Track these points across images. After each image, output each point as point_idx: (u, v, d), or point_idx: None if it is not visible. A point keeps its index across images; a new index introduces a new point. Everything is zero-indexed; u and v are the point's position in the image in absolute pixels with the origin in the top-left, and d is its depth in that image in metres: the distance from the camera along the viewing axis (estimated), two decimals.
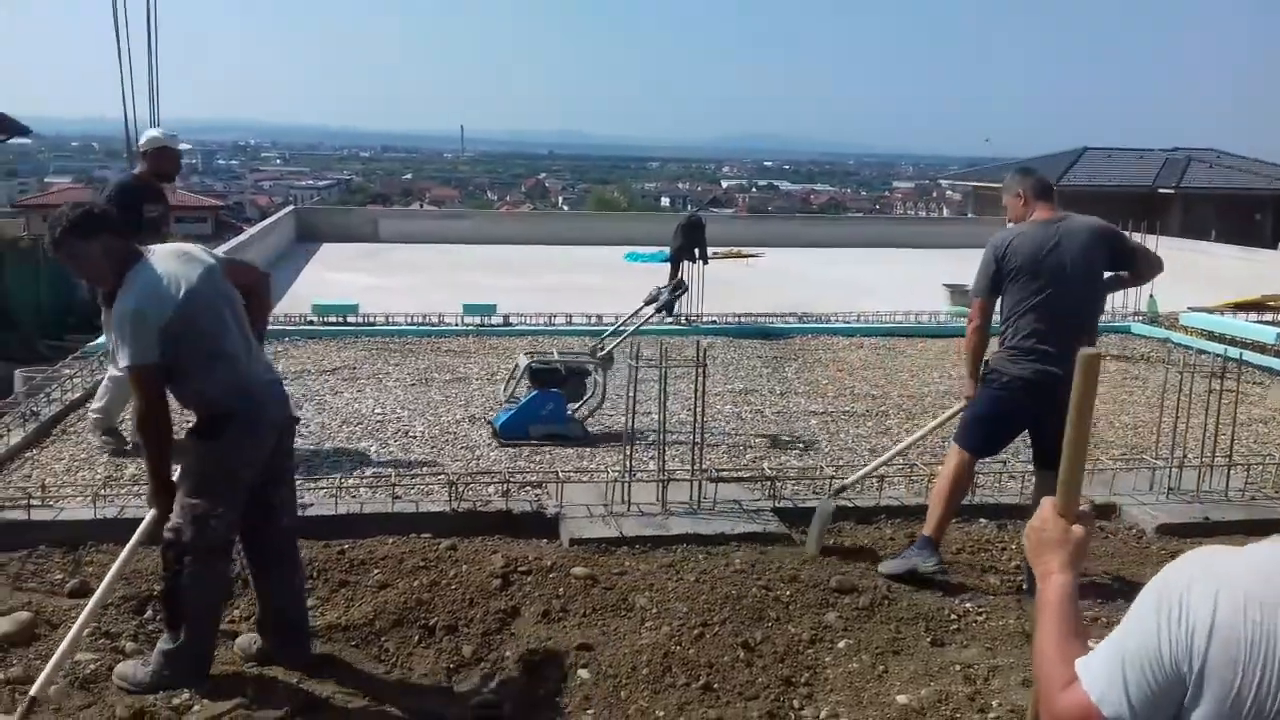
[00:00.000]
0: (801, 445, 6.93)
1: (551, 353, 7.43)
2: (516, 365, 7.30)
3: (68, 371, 7.83)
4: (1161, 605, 1.30)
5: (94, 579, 4.42)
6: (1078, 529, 1.60)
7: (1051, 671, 1.43)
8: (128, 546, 3.71)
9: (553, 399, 6.79)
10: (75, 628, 3.56)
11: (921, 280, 15.07)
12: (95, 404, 6.26)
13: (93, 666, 3.81)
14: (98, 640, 4.01)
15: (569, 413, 6.87)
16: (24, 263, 19.98)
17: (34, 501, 5.01)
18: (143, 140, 6.55)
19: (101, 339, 8.52)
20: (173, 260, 3.63)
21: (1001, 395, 4.65)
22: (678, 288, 7.50)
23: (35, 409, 6.86)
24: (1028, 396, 4.57)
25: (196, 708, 3.58)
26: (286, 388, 7.85)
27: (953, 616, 4.44)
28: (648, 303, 7.38)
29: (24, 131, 31.14)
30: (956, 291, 13.66)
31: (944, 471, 4.87)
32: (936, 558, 4.73)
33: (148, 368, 3.50)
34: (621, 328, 7.80)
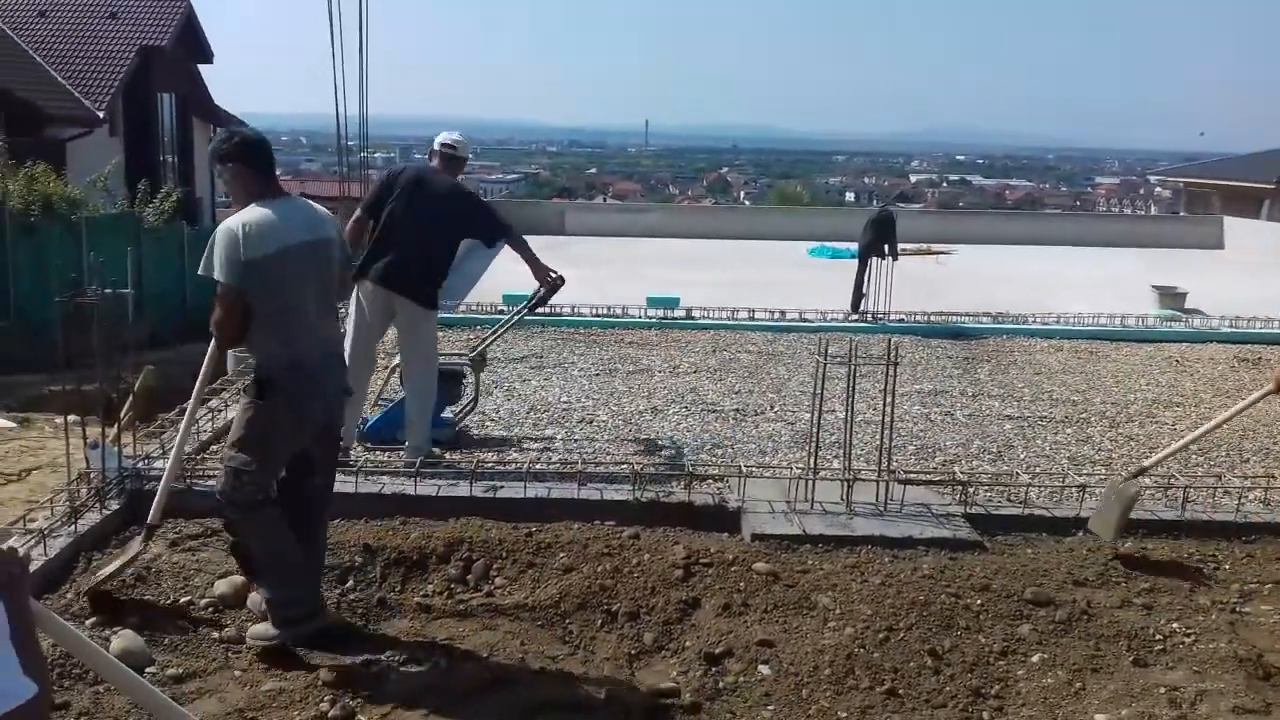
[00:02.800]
0: (674, 447, 6.48)
1: None
2: (390, 366, 6.97)
3: None
4: None
5: None
6: None
7: None
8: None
9: (443, 404, 6.34)
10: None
11: (1127, 281, 14.32)
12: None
13: None
14: None
15: (441, 415, 6.42)
16: None
17: None
18: (438, 139, 6.17)
19: None
20: (299, 214, 3.87)
21: None
22: (556, 285, 6.41)
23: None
24: None
25: (393, 676, 3.74)
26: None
27: (1158, 636, 4.18)
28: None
29: (241, 126, 33.54)
30: (1166, 294, 12.90)
31: None
32: None
33: (232, 289, 3.70)
34: (508, 318, 7.25)
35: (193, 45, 27.39)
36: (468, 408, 6.68)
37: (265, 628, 3.91)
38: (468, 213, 6.02)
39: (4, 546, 1.81)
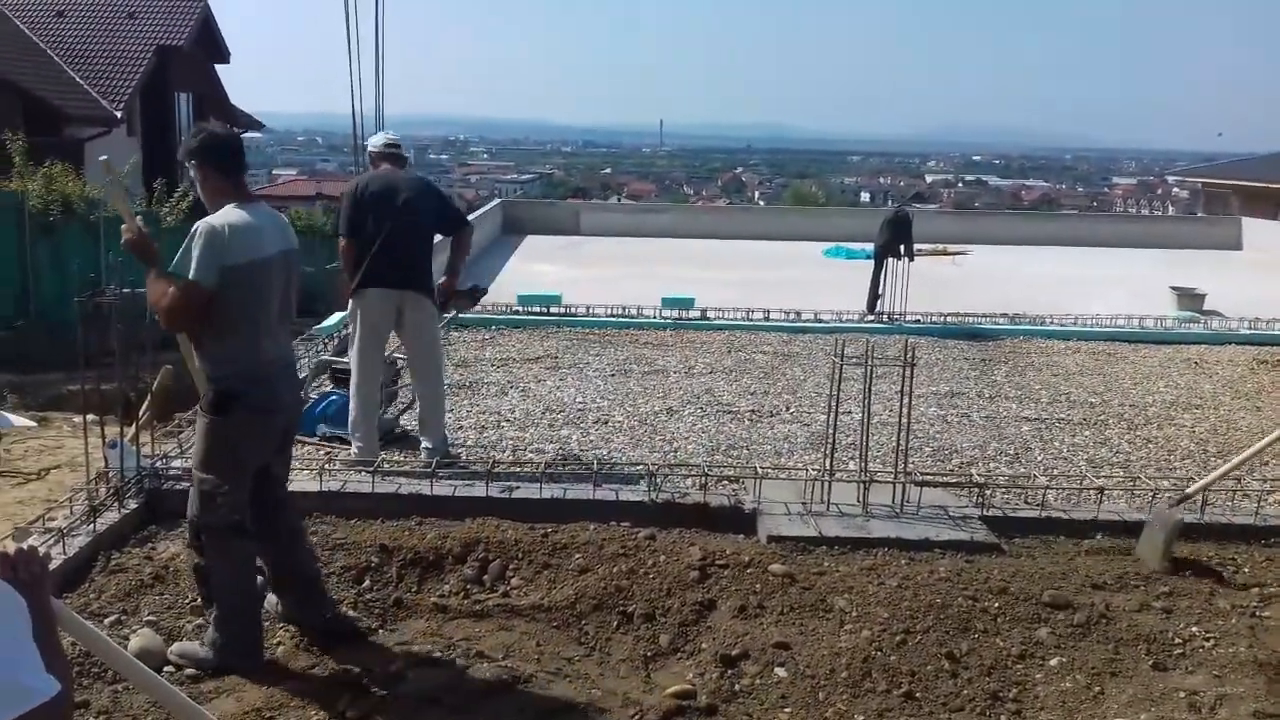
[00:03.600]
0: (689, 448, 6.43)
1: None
2: (318, 363, 7.14)
3: (298, 352, 8.32)
4: None
5: (318, 548, 4.69)
6: None
7: None
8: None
9: (344, 400, 6.23)
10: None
11: (1145, 282, 14.22)
12: (353, 434, 5.93)
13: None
14: None
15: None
16: None
17: None
18: (378, 142, 6.27)
19: (329, 321, 9.06)
20: (272, 222, 3.80)
21: None
22: (475, 296, 6.61)
23: None
24: None
25: (410, 676, 3.75)
26: (493, 374, 8.19)
27: (1177, 640, 4.16)
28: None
29: (257, 126, 33.57)
30: (1185, 295, 12.82)
31: None
32: None
33: (203, 291, 3.56)
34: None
35: (210, 45, 27.53)
36: (402, 408, 6.70)
37: (195, 648, 3.81)
38: (437, 205, 6.13)
39: (24, 545, 1.81)
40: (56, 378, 10.52)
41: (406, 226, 5.86)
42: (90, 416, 5.69)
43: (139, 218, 3.52)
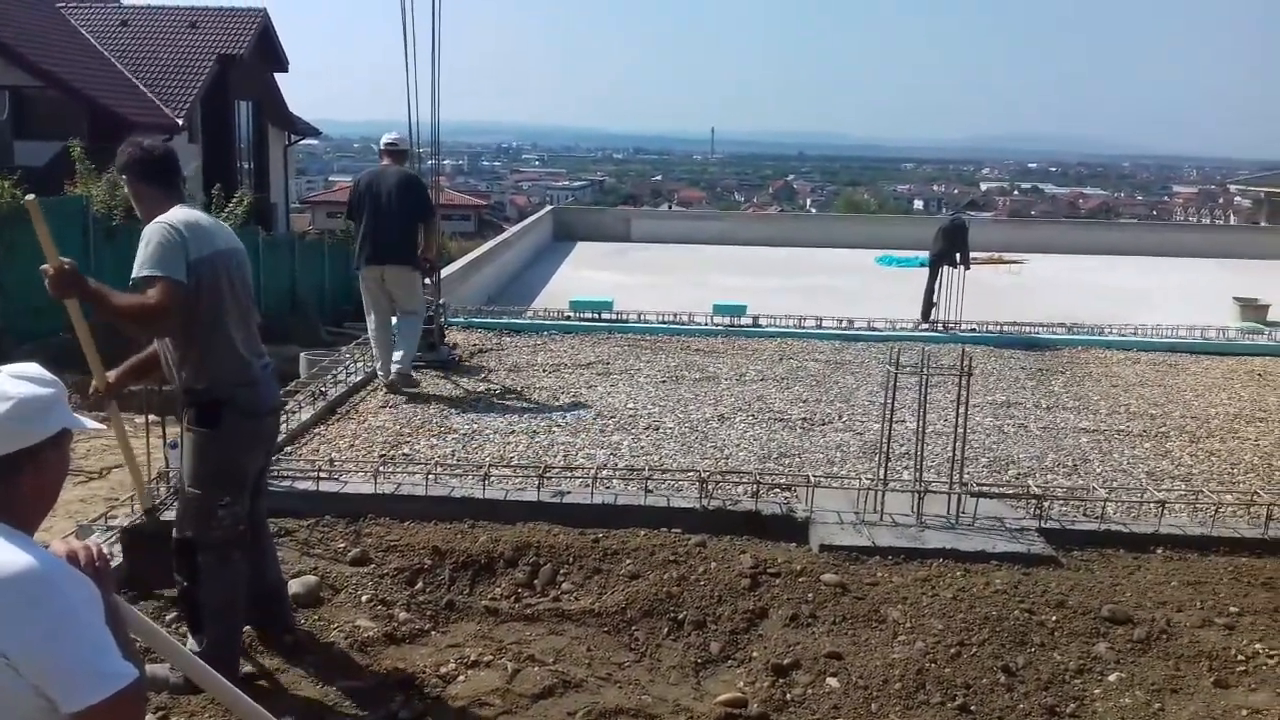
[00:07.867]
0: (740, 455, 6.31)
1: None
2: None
3: (349, 356, 8.42)
4: None
5: (373, 549, 4.75)
6: None
7: None
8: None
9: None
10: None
11: (1206, 293, 13.94)
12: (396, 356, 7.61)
13: (371, 632, 4.09)
14: (375, 607, 4.31)
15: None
16: (310, 255, 21.75)
17: (322, 474, 5.41)
18: (389, 140, 8.10)
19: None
20: (217, 223, 3.74)
21: None
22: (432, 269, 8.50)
23: (322, 390, 7.42)
24: None
25: (461, 678, 3.76)
26: (545, 379, 8.21)
27: (1240, 657, 4.07)
28: None
29: (314, 134, 34.08)
30: (1248, 306, 12.56)
31: None
32: None
33: (180, 285, 3.42)
34: None
35: (269, 54, 28.01)
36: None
37: (167, 673, 3.62)
38: (416, 196, 7.76)
39: (87, 542, 1.86)
40: None
41: (386, 215, 7.56)
42: (151, 417, 5.79)
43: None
